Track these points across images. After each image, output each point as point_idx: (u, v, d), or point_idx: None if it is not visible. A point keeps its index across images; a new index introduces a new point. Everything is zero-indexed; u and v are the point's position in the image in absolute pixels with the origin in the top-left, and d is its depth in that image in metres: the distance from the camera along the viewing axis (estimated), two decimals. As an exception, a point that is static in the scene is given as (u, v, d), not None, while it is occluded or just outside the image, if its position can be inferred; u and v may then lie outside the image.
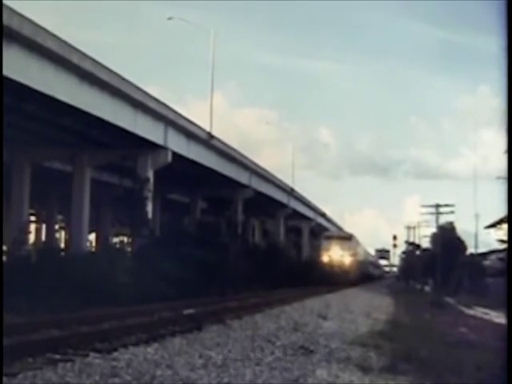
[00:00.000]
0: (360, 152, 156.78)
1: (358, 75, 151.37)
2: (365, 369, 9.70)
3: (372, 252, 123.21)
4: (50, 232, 52.63)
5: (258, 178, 50.65)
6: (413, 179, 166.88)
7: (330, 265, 55.88)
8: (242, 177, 47.27)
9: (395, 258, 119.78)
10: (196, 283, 26.81)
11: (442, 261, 56.94)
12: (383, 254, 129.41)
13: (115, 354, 9.54)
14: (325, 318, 18.45)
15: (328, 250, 58.44)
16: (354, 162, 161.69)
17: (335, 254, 57.41)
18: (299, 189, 64.32)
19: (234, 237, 42.30)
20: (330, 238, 61.77)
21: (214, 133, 39.89)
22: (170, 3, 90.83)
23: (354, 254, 60.03)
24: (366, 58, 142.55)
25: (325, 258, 57.58)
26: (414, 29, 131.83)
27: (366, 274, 78.45)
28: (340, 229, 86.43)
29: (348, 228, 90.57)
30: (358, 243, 66.85)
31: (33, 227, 56.99)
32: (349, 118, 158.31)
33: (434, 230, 66.90)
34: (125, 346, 10.47)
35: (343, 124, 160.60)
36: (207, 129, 39.01)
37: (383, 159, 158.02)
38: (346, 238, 61.22)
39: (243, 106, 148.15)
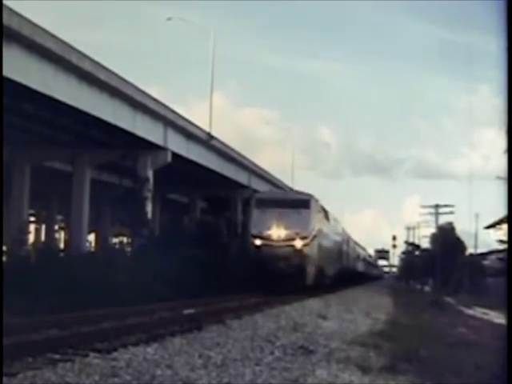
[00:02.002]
0: (361, 152, 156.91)
1: (358, 75, 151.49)
2: (364, 369, 9.70)
3: (371, 252, 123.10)
4: (50, 232, 52.63)
5: (258, 178, 50.68)
6: (414, 179, 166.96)
7: (267, 256, 28.82)
8: (242, 177, 47.31)
9: (395, 259, 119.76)
10: (196, 283, 26.80)
11: (441, 261, 56.96)
12: (383, 254, 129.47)
13: (115, 354, 9.54)
14: (324, 317, 18.45)
15: (263, 226, 29.86)
16: (355, 162, 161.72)
17: (277, 235, 29.51)
18: (300, 189, 64.07)
19: (234, 237, 42.35)
20: (265, 202, 31.25)
21: (215, 133, 39.96)
22: (170, 3, 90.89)
23: (317, 235, 32.00)
24: (366, 58, 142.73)
25: (256, 242, 29.58)
26: (414, 29, 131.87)
27: (351, 275, 55.60)
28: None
29: (348, 229, 65.61)
30: (324, 215, 36.63)
31: (32, 227, 57.01)
32: (350, 117, 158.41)
33: (433, 230, 67.04)
34: (124, 345, 10.47)
35: (344, 124, 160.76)
36: (207, 129, 39.06)
37: (384, 159, 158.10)
38: (299, 204, 30.99)
39: (244, 105, 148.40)
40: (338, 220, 47.20)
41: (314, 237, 31.21)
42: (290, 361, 10.05)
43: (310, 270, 30.59)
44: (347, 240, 55.07)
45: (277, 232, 29.66)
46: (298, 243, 29.72)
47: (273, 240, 29.55)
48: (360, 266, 75.13)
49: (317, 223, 32.28)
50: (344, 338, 13.51)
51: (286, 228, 29.72)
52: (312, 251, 30.80)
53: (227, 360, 9.60)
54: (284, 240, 29.61)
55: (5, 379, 7.50)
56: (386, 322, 19.44)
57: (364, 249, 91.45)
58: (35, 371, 8.06)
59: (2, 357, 8.22)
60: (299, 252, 29.60)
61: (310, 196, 32.57)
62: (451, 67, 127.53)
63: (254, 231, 30.41)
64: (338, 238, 45.37)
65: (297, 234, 29.73)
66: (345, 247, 51.20)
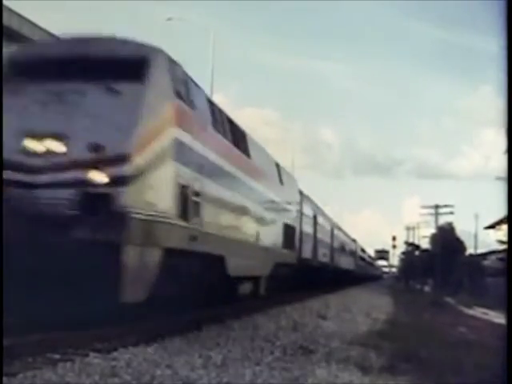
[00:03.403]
0: (362, 152, 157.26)
1: (360, 75, 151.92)
2: (364, 368, 9.70)
3: (371, 253, 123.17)
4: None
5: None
6: (414, 179, 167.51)
7: (14, 211, 9.85)
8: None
9: (395, 259, 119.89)
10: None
11: (441, 261, 57.03)
12: (383, 254, 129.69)
13: (115, 354, 9.54)
14: (324, 317, 18.45)
15: (10, 132, 10.14)
16: (355, 162, 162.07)
17: (41, 153, 10.21)
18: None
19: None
20: (28, 68, 11.27)
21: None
22: (170, 3, 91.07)
23: (174, 154, 11.70)
24: (368, 58, 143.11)
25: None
26: (414, 29, 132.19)
27: (331, 275, 40.24)
28: None
29: (348, 229, 63.72)
30: (221, 120, 15.82)
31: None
32: (351, 117, 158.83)
33: (433, 230, 67.14)
34: (124, 345, 10.46)
35: (345, 124, 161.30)
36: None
37: (385, 159, 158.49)
38: (115, 68, 10.88)
39: (245, 106, 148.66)
40: (291, 174, 28.62)
41: (160, 160, 11.40)
42: (290, 361, 10.05)
43: (135, 254, 10.94)
44: (314, 216, 33.16)
45: (41, 144, 10.64)
46: (98, 176, 10.43)
47: (30, 169, 10.51)
48: (347, 263, 53.46)
49: (172, 123, 12.03)
50: (344, 338, 13.50)
51: (68, 134, 10.67)
52: (148, 198, 11.13)
53: (227, 360, 9.59)
54: (61, 168, 10.49)
55: (5, 379, 7.49)
56: (386, 321, 19.45)
57: (354, 241, 71.32)
58: (35, 371, 8.05)
59: (2, 357, 8.20)
60: (104, 201, 10.29)
61: (151, 49, 12.11)
62: (451, 67, 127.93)
63: None
64: (287, 204, 24.87)
65: (96, 149, 10.51)
66: (307, 227, 30.57)
